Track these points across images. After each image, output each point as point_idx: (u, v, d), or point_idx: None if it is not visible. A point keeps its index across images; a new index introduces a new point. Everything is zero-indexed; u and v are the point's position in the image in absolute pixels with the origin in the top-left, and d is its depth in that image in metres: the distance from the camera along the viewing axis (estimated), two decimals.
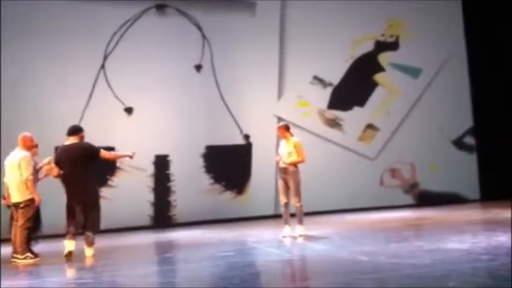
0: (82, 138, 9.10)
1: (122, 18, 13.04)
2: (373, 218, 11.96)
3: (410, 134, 14.05)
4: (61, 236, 9.25)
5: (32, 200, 8.86)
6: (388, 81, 14.20)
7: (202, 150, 13.26)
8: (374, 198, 13.66)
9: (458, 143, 14.31)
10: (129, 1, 13.04)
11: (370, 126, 14.05)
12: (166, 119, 13.13)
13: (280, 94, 13.70)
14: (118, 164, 12.65)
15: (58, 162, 8.97)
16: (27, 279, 7.96)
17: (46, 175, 9.13)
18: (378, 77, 14.19)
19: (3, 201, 9.33)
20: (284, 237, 9.59)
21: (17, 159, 8.93)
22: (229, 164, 13.33)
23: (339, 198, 13.45)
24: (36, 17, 12.60)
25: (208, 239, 10.51)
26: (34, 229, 9.02)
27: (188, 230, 11.94)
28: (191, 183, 13.09)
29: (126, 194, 12.66)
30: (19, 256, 8.79)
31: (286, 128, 9.84)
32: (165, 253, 9.66)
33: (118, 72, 12.93)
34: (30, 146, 9.08)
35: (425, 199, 13.94)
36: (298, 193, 9.61)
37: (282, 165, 9.72)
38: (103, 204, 9.34)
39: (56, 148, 9.42)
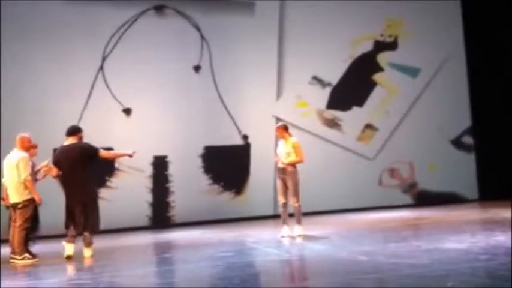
0: (81, 138, 9.09)
1: (120, 20, 13.02)
2: (372, 218, 11.96)
3: (409, 134, 14.06)
4: (60, 236, 9.26)
5: (30, 201, 8.84)
6: (387, 81, 14.20)
7: (200, 151, 13.26)
8: (373, 198, 13.67)
9: (457, 143, 14.32)
10: (128, 2, 13.03)
11: (368, 126, 14.05)
12: (164, 119, 13.13)
13: (279, 94, 13.70)
14: (116, 165, 12.65)
15: (57, 162, 8.95)
16: (26, 280, 7.95)
17: (45, 175, 9.12)
18: (377, 77, 14.19)
19: (2, 202, 9.32)
20: (282, 237, 9.58)
21: (15, 159, 8.91)
22: (227, 165, 13.33)
23: (338, 198, 13.45)
24: (35, 18, 12.59)
25: (207, 240, 10.49)
26: (32, 230, 9.00)
27: (187, 231, 11.93)
28: (190, 184, 13.09)
29: (124, 195, 12.65)
30: (17, 257, 8.77)
31: (285, 128, 9.85)
32: (163, 253, 9.64)
33: (116, 73, 12.92)
34: (28, 147, 9.07)
35: (424, 199, 13.96)
36: (296, 193, 9.61)
37: (280, 165, 9.71)
38: (102, 205, 9.34)
39: (54, 150, 9.39)
